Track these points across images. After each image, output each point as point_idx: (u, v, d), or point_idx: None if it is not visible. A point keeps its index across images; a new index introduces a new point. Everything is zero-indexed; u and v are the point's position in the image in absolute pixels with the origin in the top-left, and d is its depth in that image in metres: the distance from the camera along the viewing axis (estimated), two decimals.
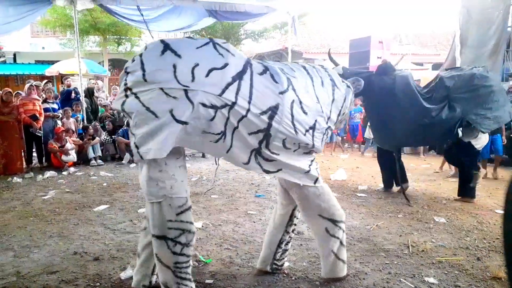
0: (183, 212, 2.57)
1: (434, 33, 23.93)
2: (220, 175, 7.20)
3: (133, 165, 8.32)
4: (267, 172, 2.75)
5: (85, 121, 9.20)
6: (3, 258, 3.63)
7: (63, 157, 7.96)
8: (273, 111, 2.59)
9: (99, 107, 10.06)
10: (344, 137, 10.84)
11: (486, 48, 10.30)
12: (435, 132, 5.13)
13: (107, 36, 17.96)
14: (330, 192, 3.02)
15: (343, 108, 3.05)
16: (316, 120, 2.81)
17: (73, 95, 9.75)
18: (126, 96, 2.49)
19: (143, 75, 2.43)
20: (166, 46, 2.48)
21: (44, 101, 8.55)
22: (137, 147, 2.47)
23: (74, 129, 8.68)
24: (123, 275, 3.19)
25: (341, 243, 2.99)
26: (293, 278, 3.15)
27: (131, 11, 9.83)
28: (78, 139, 8.58)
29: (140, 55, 2.51)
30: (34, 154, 8.47)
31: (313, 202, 2.91)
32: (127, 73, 2.50)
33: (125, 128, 8.98)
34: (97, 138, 8.70)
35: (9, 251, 3.78)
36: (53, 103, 8.86)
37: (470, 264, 3.39)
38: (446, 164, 7.11)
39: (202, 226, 4.41)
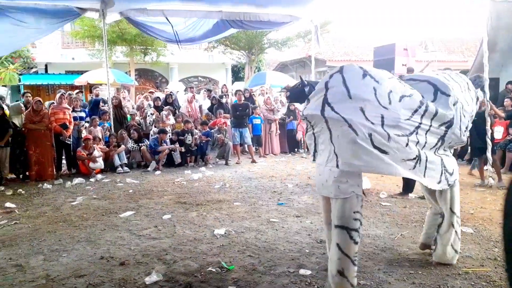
0: (362, 206, 2.97)
1: (461, 39, 23.46)
2: (242, 183, 7.25)
3: (158, 172, 8.48)
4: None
5: (112, 129, 9.43)
6: (34, 261, 3.76)
7: (91, 165, 8.18)
8: (450, 121, 3.17)
9: (127, 115, 10.28)
10: None
11: None
12: None
13: (134, 47, 18.41)
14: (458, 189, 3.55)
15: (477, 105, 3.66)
16: (468, 121, 3.36)
17: (101, 104, 10.03)
18: (324, 106, 2.88)
19: (348, 92, 2.84)
20: (365, 72, 2.93)
21: (72, 109, 8.82)
22: (336, 155, 2.86)
23: (101, 137, 8.91)
24: (148, 280, 3.26)
25: (456, 233, 3.46)
26: (315, 287, 3.15)
27: (157, 25, 10.07)
28: (105, 146, 8.80)
29: (341, 74, 2.92)
30: (64, 161, 8.73)
31: (448, 197, 3.44)
32: (327, 88, 2.92)
33: (154, 137, 9.13)
34: (122, 145, 8.91)
35: (39, 255, 3.92)
36: (80, 111, 9.14)
37: (498, 275, 3.29)
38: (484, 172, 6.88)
39: (225, 233, 4.44)
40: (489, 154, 6.63)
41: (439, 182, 3.16)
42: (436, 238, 3.55)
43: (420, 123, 2.98)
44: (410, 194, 6.03)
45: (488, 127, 6.65)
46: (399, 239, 4.21)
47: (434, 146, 3.14)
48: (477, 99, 3.61)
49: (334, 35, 22.83)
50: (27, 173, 7.96)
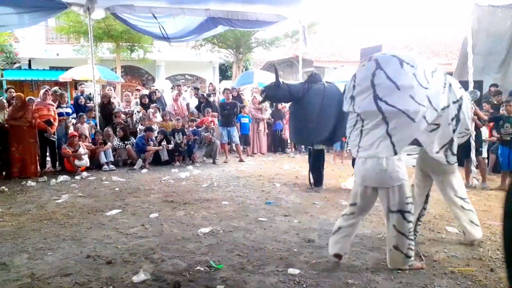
0: (410, 190, 3.40)
1: (446, 42, 23.82)
2: (230, 182, 7.23)
3: (144, 170, 8.40)
4: (448, 162, 3.68)
5: (98, 127, 9.31)
6: (18, 260, 3.69)
7: (76, 162, 8.05)
8: (460, 100, 3.56)
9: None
10: None
11: (495, 57, 10.19)
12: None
13: (120, 43, 18.18)
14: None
15: None
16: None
17: (81, 100, 9.81)
18: (377, 102, 3.18)
19: (395, 85, 3.16)
20: (401, 60, 3.24)
21: (58, 105, 8.67)
22: (393, 144, 3.19)
23: (87, 135, 8.79)
24: (136, 279, 3.23)
25: (471, 211, 3.97)
26: (304, 286, 3.15)
27: (144, 22, 9.98)
28: (91, 144, 8.68)
29: (382, 69, 3.21)
30: (48, 158, 8.58)
31: (454, 185, 3.85)
32: (374, 85, 3.22)
33: (140, 135, 9.02)
34: (109, 143, 8.79)
35: (24, 253, 3.84)
36: (66, 107, 8.99)
37: (483, 275, 3.35)
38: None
39: (213, 232, 4.42)
40: (473, 155, 6.74)
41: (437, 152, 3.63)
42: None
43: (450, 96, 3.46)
44: None
45: (472, 128, 6.75)
46: (386, 239, 4.24)
47: (454, 129, 3.60)
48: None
49: (321, 36, 22.91)
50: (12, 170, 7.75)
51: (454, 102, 3.50)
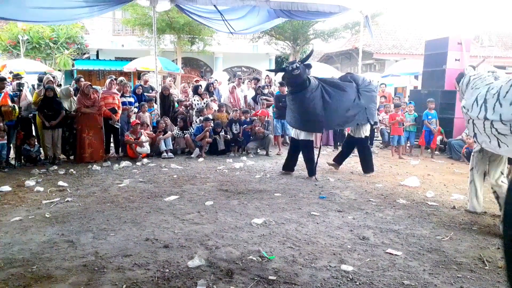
0: None
1: None
2: (283, 174, 7.23)
3: (201, 159, 8.62)
4: None
5: (159, 116, 9.67)
6: (84, 238, 3.95)
7: (138, 149, 8.44)
8: None
9: (175, 102, 10.44)
10: (416, 142, 10.34)
11: None
12: (351, 115, 7.04)
13: (181, 35, 18.70)
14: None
15: None
16: None
17: (138, 90, 10.02)
18: None
19: None
20: None
21: (122, 95, 9.09)
22: None
23: (148, 123, 9.16)
24: (191, 263, 3.33)
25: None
26: (357, 283, 3.09)
27: (206, 13, 10.16)
28: (152, 132, 9.05)
29: None
30: (112, 144, 9.06)
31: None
32: None
33: (199, 125, 9.26)
34: (169, 132, 9.12)
35: (89, 233, 4.10)
36: (129, 96, 9.41)
37: None
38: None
39: (265, 223, 4.46)
40: None
41: None
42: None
43: None
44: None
45: None
46: (446, 241, 4.05)
47: None
48: None
49: (382, 28, 22.15)
50: (82, 154, 8.24)
51: None
